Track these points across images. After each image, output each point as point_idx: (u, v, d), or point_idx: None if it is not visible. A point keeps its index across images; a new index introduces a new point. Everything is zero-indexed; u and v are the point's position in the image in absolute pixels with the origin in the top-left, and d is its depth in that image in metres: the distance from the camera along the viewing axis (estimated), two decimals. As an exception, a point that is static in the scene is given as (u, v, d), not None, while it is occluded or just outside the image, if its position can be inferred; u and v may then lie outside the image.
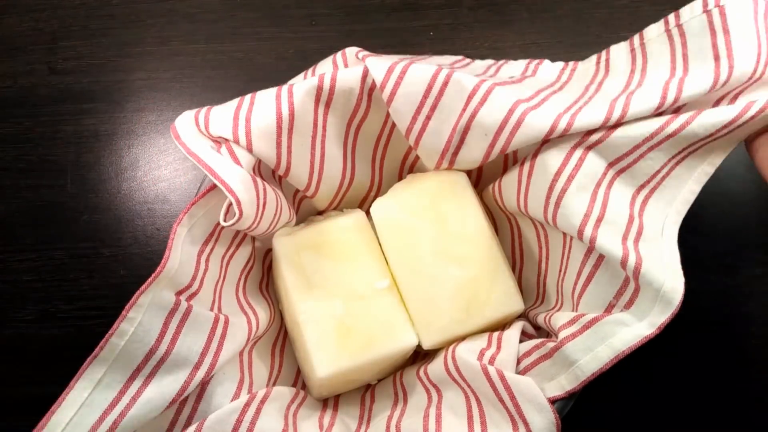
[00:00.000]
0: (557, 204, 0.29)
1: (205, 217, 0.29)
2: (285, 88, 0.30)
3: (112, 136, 0.44)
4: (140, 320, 0.25)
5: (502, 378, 0.28)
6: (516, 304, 0.33)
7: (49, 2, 0.47)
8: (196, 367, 0.27)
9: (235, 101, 0.30)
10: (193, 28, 0.46)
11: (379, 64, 0.30)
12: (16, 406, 0.40)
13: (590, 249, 0.29)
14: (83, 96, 0.45)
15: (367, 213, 0.35)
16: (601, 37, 0.44)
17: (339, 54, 0.33)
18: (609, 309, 0.28)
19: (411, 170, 0.38)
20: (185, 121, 0.29)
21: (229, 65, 0.45)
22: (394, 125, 0.34)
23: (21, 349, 0.41)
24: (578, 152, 0.29)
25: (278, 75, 0.45)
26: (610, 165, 0.29)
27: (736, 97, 0.27)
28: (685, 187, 0.28)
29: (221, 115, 0.29)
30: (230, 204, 0.27)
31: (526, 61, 0.36)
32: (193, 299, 0.28)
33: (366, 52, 0.32)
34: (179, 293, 0.27)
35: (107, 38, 0.46)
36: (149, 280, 0.26)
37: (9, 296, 0.41)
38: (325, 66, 0.34)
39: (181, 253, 0.27)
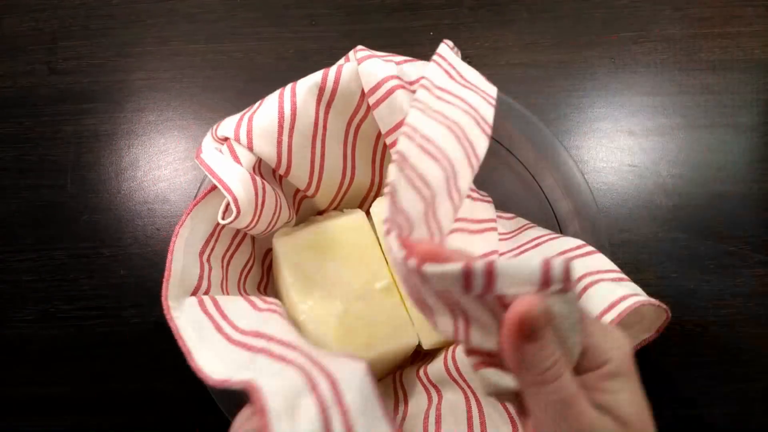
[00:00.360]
0: None
1: (206, 218, 0.29)
2: (288, 87, 0.30)
3: (112, 136, 0.44)
4: (184, 318, 0.26)
5: (503, 378, 0.28)
6: (516, 304, 0.33)
7: (49, 2, 0.47)
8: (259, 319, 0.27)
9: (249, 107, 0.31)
10: (193, 28, 0.46)
11: (373, 73, 0.30)
12: (16, 406, 0.40)
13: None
14: (83, 96, 0.45)
15: (367, 213, 0.35)
16: (601, 37, 0.44)
17: (351, 53, 0.33)
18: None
19: (411, 170, 0.38)
20: (208, 136, 0.31)
21: (229, 65, 0.45)
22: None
23: (21, 349, 0.41)
24: None
25: (278, 75, 0.45)
26: None
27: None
28: None
29: (230, 118, 0.30)
30: (228, 202, 0.27)
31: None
32: (208, 293, 0.29)
33: (365, 53, 0.32)
34: (193, 293, 0.28)
35: (107, 38, 0.46)
36: (164, 284, 0.26)
37: (9, 296, 0.41)
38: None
39: (184, 255, 0.28)
